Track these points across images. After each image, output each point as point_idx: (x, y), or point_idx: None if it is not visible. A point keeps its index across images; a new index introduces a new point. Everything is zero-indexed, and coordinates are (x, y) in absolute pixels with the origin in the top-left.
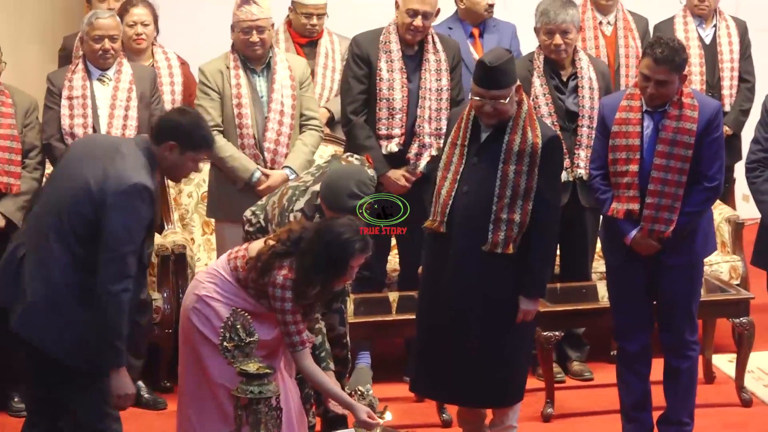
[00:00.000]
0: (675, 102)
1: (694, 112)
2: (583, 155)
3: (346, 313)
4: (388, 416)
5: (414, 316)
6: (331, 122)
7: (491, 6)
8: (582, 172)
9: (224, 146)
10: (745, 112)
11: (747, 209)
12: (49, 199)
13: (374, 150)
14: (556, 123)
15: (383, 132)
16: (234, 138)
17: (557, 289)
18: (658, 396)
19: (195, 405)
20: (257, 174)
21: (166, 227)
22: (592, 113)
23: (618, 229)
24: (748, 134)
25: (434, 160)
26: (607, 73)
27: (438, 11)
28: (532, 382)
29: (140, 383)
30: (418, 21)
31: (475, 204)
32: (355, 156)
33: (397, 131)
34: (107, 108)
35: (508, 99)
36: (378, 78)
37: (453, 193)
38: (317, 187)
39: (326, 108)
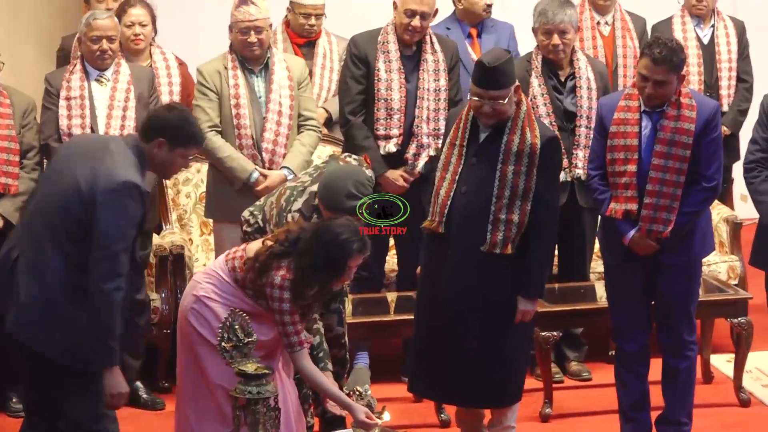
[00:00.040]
0: (673, 102)
1: (692, 113)
2: (581, 155)
3: (344, 314)
4: (387, 416)
5: (412, 317)
6: (329, 122)
7: (489, 6)
8: (580, 172)
9: (222, 146)
10: (743, 112)
11: (745, 209)
12: (40, 199)
13: (372, 150)
14: (554, 123)
15: (381, 132)
16: (232, 138)
17: (555, 290)
18: (656, 396)
19: (193, 405)
20: (255, 174)
21: (164, 228)
22: (590, 113)
23: (616, 229)
24: (746, 134)
25: (432, 161)
26: (605, 73)
27: (436, 11)
28: (530, 383)
29: (138, 383)
30: (416, 21)
31: (474, 204)
32: (353, 156)
33: (395, 131)
34: (105, 108)
35: (507, 99)
36: (376, 78)
37: (452, 194)
38: (315, 188)
39: (324, 108)
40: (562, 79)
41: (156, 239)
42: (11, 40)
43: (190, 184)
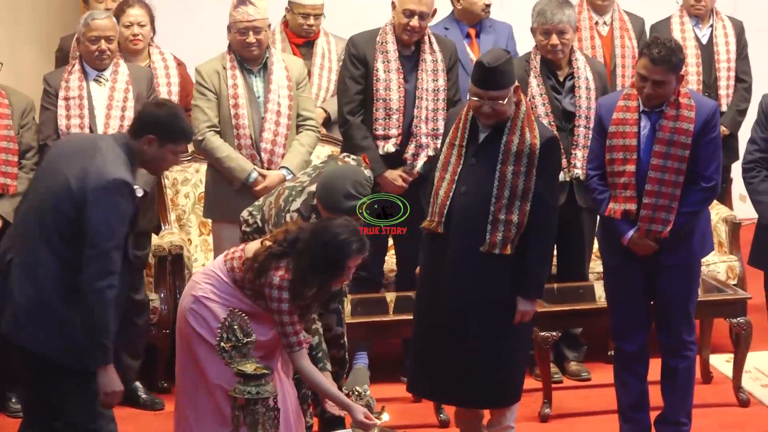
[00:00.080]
0: (672, 102)
1: (691, 113)
2: (580, 155)
3: (343, 314)
4: (386, 417)
5: (411, 317)
6: (327, 123)
7: (488, 6)
8: (579, 172)
9: (221, 147)
10: (742, 112)
11: (744, 209)
12: (32, 199)
13: (371, 150)
14: (552, 123)
15: (380, 132)
16: (231, 138)
17: (554, 290)
18: (655, 396)
19: (192, 405)
20: (254, 174)
21: (163, 228)
22: (588, 113)
23: (615, 229)
24: (745, 134)
25: (431, 161)
26: (604, 73)
27: (434, 11)
28: (529, 383)
29: (137, 384)
30: (414, 21)
31: (473, 204)
32: (352, 156)
33: (393, 131)
34: (104, 108)
35: (507, 100)
36: (375, 78)
37: (451, 194)
38: (314, 188)
39: (323, 108)
40: (561, 79)
41: (155, 239)
42: (10, 41)
43: (188, 185)
